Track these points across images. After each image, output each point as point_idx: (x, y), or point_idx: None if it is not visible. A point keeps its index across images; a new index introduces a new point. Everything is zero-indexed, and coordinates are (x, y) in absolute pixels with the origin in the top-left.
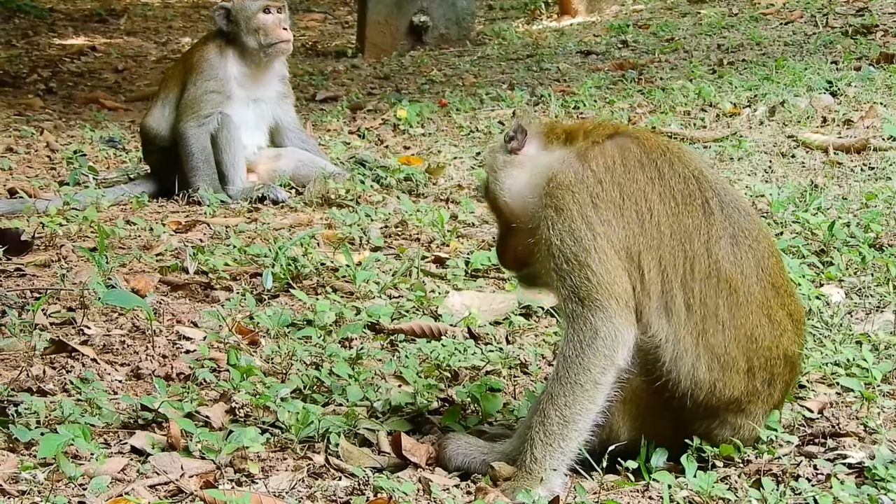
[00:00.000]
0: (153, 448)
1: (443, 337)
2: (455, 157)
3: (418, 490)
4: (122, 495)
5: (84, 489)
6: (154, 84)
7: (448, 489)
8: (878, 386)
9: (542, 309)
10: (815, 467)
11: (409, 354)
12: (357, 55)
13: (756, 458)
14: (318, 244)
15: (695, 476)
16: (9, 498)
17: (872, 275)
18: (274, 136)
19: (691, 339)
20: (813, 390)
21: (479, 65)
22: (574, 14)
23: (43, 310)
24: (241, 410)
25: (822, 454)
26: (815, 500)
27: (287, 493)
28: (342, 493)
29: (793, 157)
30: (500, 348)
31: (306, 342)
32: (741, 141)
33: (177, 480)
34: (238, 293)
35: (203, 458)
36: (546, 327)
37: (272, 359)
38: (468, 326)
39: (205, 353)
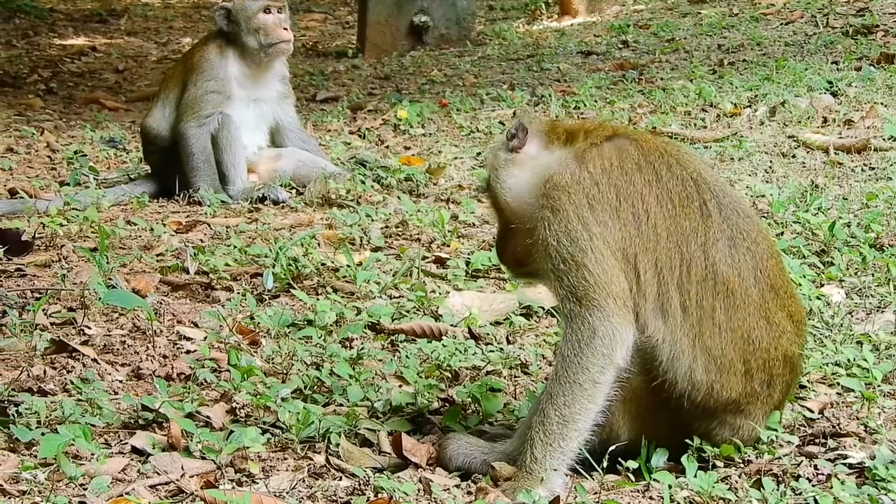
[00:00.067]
0: (154, 448)
1: (443, 337)
2: (455, 158)
3: (419, 490)
4: (122, 495)
5: (84, 489)
6: (154, 84)
7: (448, 489)
8: (879, 386)
9: (543, 309)
10: (815, 467)
11: (410, 354)
12: (357, 55)
13: (756, 458)
14: (318, 244)
15: (695, 476)
16: (9, 498)
17: (873, 275)
18: (274, 137)
19: (688, 340)
20: (813, 390)
21: (480, 65)
22: (574, 14)
23: (43, 310)
24: (241, 410)
25: (823, 454)
26: (815, 501)
27: (287, 493)
28: (343, 494)
29: (793, 157)
30: (501, 348)
31: (307, 342)
32: (742, 141)
33: (177, 480)
34: (239, 293)
35: (203, 459)
36: (546, 327)
37: (273, 359)
38: (469, 327)
39: (205, 353)
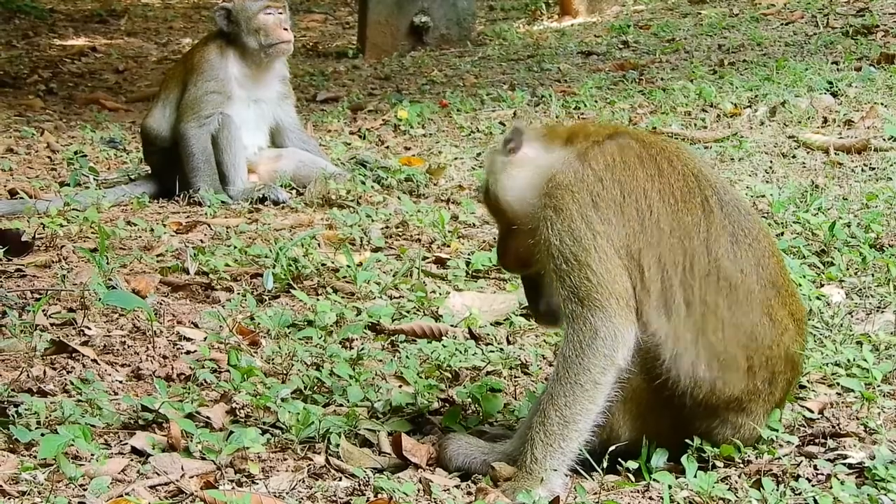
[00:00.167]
0: (153, 449)
1: (443, 337)
2: (456, 158)
3: (419, 490)
4: (122, 496)
5: (84, 490)
6: (155, 85)
7: (448, 490)
8: (879, 386)
9: None
10: (815, 467)
11: (410, 355)
12: (358, 56)
13: (756, 458)
14: (318, 245)
15: (695, 476)
16: (9, 499)
17: (873, 275)
18: (275, 137)
19: (691, 337)
20: (813, 390)
21: (480, 65)
22: (575, 14)
23: (43, 310)
24: (241, 411)
25: (823, 454)
26: (815, 501)
27: (287, 493)
28: (342, 494)
29: (793, 157)
30: (501, 349)
31: (307, 343)
32: (742, 141)
33: (177, 481)
34: (239, 294)
35: (203, 459)
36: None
37: (273, 359)
38: (469, 327)
39: (205, 353)
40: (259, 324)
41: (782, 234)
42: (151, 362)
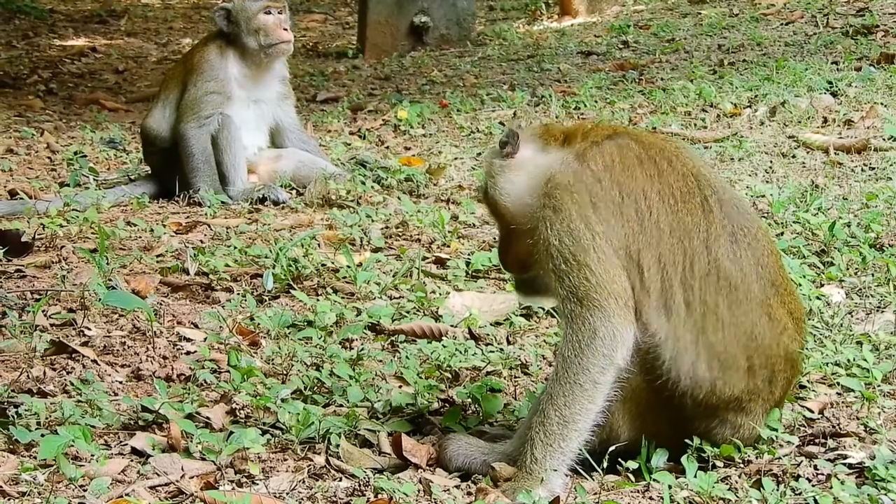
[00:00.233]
0: (153, 449)
1: (443, 338)
2: (456, 158)
3: (419, 491)
4: (122, 496)
5: (84, 490)
6: (154, 85)
7: (448, 490)
8: (879, 386)
9: (543, 310)
10: (815, 467)
11: (410, 355)
12: (358, 56)
13: (756, 458)
14: (318, 245)
15: (695, 476)
16: (9, 499)
17: (873, 275)
18: (274, 137)
19: (691, 337)
20: (813, 390)
21: (480, 65)
22: (575, 14)
23: (43, 311)
24: (241, 411)
25: (823, 454)
26: (815, 501)
27: (287, 493)
28: (343, 494)
29: (793, 157)
30: (501, 349)
31: (307, 343)
32: (742, 141)
33: (177, 481)
34: (239, 294)
35: (203, 460)
36: (547, 328)
37: (273, 360)
38: (469, 327)
39: (205, 354)
40: (259, 324)
41: (782, 233)
42: (151, 363)
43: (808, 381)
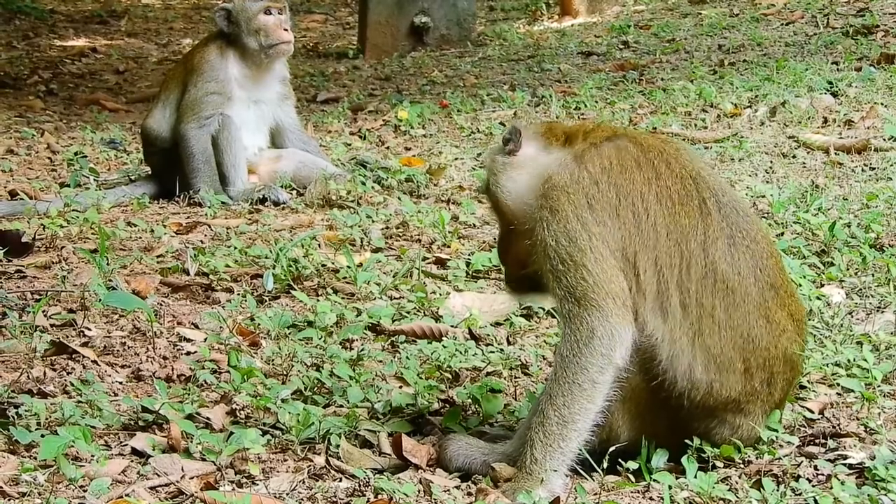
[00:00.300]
0: (154, 450)
1: (444, 338)
2: (456, 158)
3: (419, 491)
4: (122, 497)
5: (84, 491)
6: (155, 85)
7: (449, 490)
8: (879, 386)
9: (543, 310)
10: (815, 468)
11: (410, 355)
12: (358, 56)
13: (756, 458)
14: (318, 245)
15: (695, 477)
16: (9, 500)
17: (873, 275)
18: (275, 138)
19: (687, 339)
20: (813, 391)
21: (480, 66)
22: (575, 15)
23: (43, 311)
24: (241, 412)
25: (823, 455)
26: (815, 501)
27: (287, 494)
28: (343, 495)
29: (794, 157)
30: (501, 349)
31: (307, 343)
32: (742, 141)
33: (177, 482)
34: (239, 294)
35: (204, 460)
36: (547, 328)
37: (273, 360)
38: (469, 327)
39: (205, 354)
40: (259, 325)
41: (782, 234)
42: (151, 363)
43: (808, 381)
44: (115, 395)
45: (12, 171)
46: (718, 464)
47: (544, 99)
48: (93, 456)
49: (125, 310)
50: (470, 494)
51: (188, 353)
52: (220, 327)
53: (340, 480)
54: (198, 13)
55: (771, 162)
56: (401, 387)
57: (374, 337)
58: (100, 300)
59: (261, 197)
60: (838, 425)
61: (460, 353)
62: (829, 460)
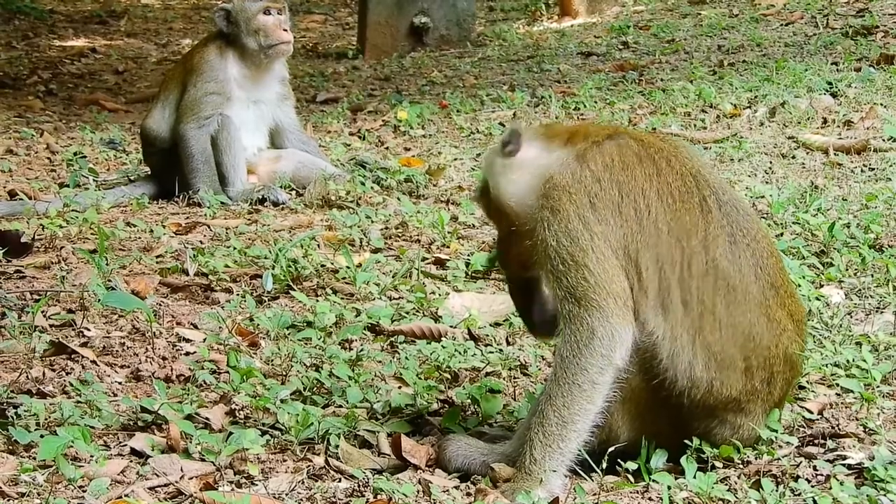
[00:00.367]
0: (153, 450)
1: (443, 338)
2: (456, 159)
3: (418, 491)
4: (121, 497)
5: (84, 491)
6: (154, 86)
7: (448, 490)
8: (878, 387)
9: None
10: (814, 468)
11: (409, 356)
12: (357, 56)
13: (756, 458)
14: (318, 246)
15: (694, 477)
16: (8, 500)
17: (872, 276)
18: (274, 138)
19: (688, 337)
20: (813, 391)
21: (480, 66)
22: (575, 15)
23: (43, 312)
24: (240, 412)
25: (822, 455)
26: (814, 501)
27: (287, 494)
28: (342, 495)
29: (793, 158)
30: (500, 349)
31: (306, 344)
32: (741, 142)
33: (176, 482)
34: (238, 295)
35: (203, 460)
36: None
37: (272, 360)
38: (468, 328)
39: (205, 354)
40: (258, 325)
41: (782, 234)
42: (151, 363)
43: (807, 381)
44: (115, 395)
45: (11, 172)
46: (718, 464)
47: (544, 99)
48: (92, 456)
49: (124, 310)
50: (469, 495)
51: (187, 354)
52: (220, 327)
53: (340, 481)
54: (197, 13)
55: (770, 162)
56: (400, 387)
57: (373, 337)
58: (99, 300)
59: (260, 197)
60: (837, 426)
61: (459, 353)
62: (828, 461)
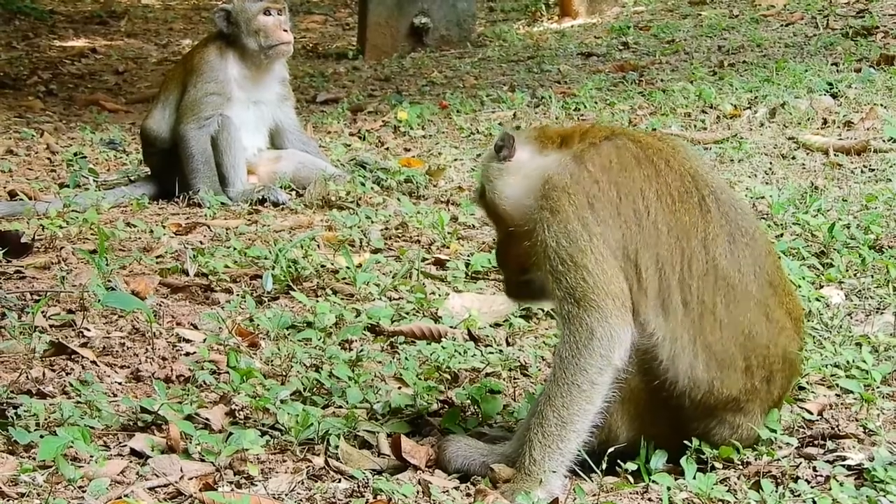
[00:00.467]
0: (153, 450)
1: (443, 339)
2: (456, 159)
3: (418, 492)
4: (121, 497)
5: (83, 491)
6: (154, 86)
7: (448, 491)
8: (878, 388)
9: (543, 311)
10: (814, 469)
11: (409, 356)
12: (358, 57)
13: (755, 459)
14: (318, 246)
15: (694, 478)
16: (8, 500)
17: (872, 276)
18: (274, 138)
19: (688, 337)
20: (812, 392)
21: (480, 66)
22: (575, 16)
23: (43, 312)
24: (240, 412)
25: (822, 456)
26: (814, 502)
27: (286, 495)
28: (342, 496)
29: (793, 158)
30: (500, 350)
31: (306, 344)
32: (742, 143)
33: (176, 483)
34: (238, 295)
35: (202, 461)
36: (546, 329)
37: (272, 361)
38: (468, 328)
39: (205, 355)
40: (258, 325)
41: (782, 235)
42: (151, 364)
43: (807, 382)
44: (115, 395)
45: (12, 172)
46: (717, 465)
47: (544, 100)
48: (92, 456)
49: (124, 310)
50: (469, 495)
51: (187, 354)
52: (220, 328)
53: (339, 481)
54: (197, 14)
55: (770, 163)
56: (400, 388)
57: (373, 338)
58: (99, 301)
59: (260, 198)
60: (837, 426)
61: (459, 353)
62: (827, 461)
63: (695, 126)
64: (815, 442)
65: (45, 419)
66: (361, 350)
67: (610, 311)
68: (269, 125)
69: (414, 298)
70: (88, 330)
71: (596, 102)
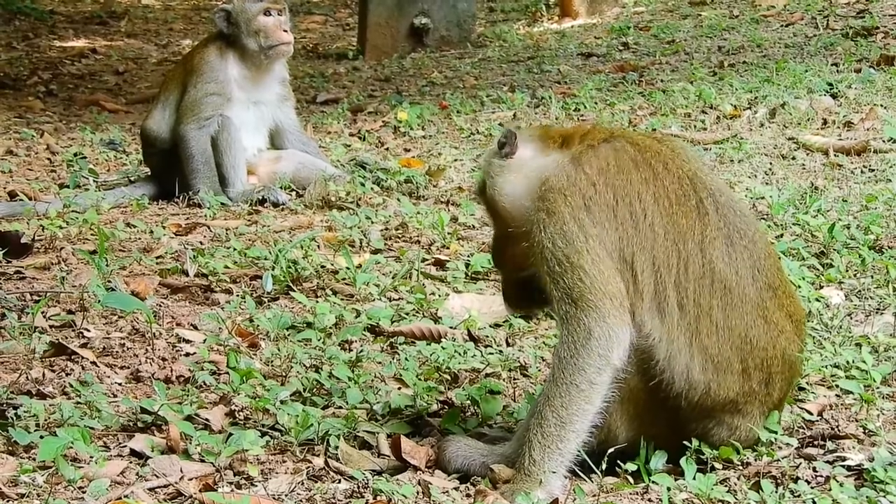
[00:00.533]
0: (152, 451)
1: (443, 339)
2: (456, 160)
3: (418, 493)
4: (121, 498)
5: (83, 492)
6: (154, 86)
7: (447, 492)
8: (878, 388)
9: (542, 312)
10: (814, 469)
11: (409, 357)
12: (358, 57)
13: (755, 460)
14: (318, 246)
15: (694, 478)
16: (8, 501)
17: (872, 277)
18: (274, 139)
19: (685, 339)
20: (812, 392)
21: (480, 67)
22: (575, 16)
23: (42, 312)
24: (240, 413)
25: (822, 456)
26: (814, 503)
27: (286, 495)
28: (341, 496)
29: (793, 159)
30: (500, 351)
31: (306, 345)
32: (741, 143)
33: (176, 483)
34: (238, 296)
35: (202, 461)
36: (545, 329)
37: (272, 361)
38: (468, 329)
39: (204, 355)
40: (258, 326)
41: (782, 235)
42: (150, 364)
43: (807, 383)
44: (114, 396)
45: (12, 172)
46: (717, 465)
47: (544, 100)
48: (91, 457)
49: (124, 311)
50: (469, 496)
51: (187, 355)
52: (220, 328)
53: (339, 482)
54: (198, 14)
55: (770, 163)
56: (400, 388)
57: (373, 338)
58: (99, 301)
59: (260, 198)
60: (837, 427)
61: (459, 354)
62: (827, 462)
63: (695, 126)
64: (815, 442)
65: (45, 420)
66: (361, 350)
67: (607, 311)
68: (269, 125)
69: (414, 299)
70: (88, 330)
71: (596, 103)
